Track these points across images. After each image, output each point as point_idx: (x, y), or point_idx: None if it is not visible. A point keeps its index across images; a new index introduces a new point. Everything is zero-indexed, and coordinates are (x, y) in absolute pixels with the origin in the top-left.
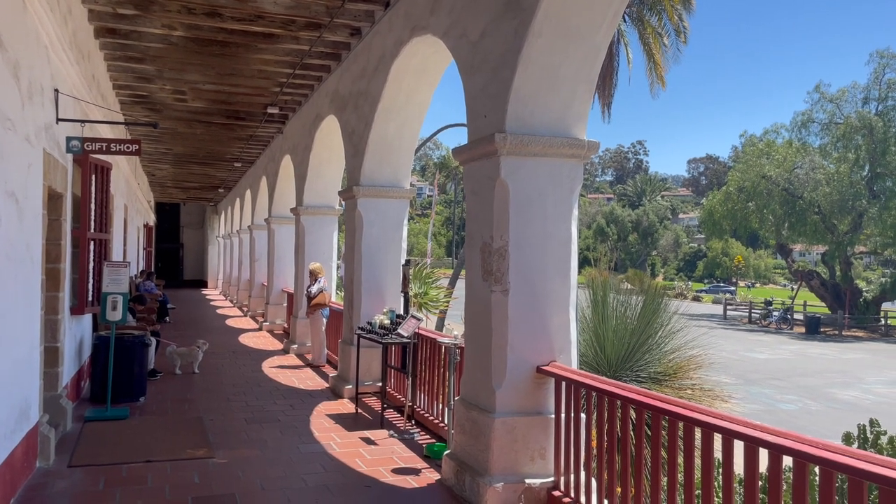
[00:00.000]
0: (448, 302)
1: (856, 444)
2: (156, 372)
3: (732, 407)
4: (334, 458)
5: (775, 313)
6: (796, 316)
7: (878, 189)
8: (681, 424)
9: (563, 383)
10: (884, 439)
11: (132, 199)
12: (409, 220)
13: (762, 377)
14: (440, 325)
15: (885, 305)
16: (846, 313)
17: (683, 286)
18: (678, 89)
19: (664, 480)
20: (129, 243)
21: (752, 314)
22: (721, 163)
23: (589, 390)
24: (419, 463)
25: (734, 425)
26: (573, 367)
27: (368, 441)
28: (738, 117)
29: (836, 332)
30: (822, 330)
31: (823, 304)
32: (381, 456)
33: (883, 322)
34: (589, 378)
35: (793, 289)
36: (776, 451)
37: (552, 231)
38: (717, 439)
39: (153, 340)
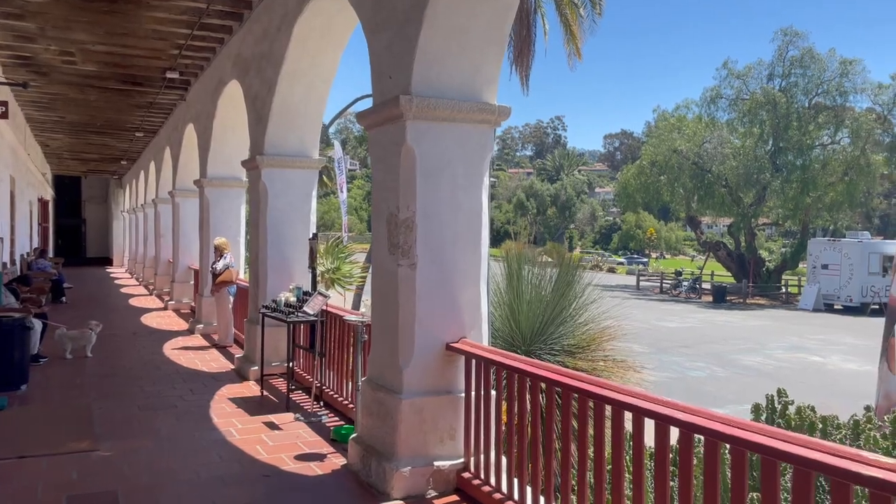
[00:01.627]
0: (364, 277)
1: (764, 416)
2: (39, 357)
3: (644, 377)
4: (233, 446)
5: (685, 283)
6: (704, 285)
7: (780, 163)
8: (591, 402)
9: (473, 361)
10: (791, 409)
11: (21, 170)
12: (331, 196)
13: (672, 345)
14: (357, 303)
15: (786, 274)
16: (750, 282)
17: (600, 258)
18: (595, 65)
19: (575, 457)
20: (18, 219)
21: (664, 284)
22: (635, 138)
23: (499, 367)
24: (325, 447)
25: (639, 401)
26: (484, 343)
27: (272, 426)
28: (653, 94)
29: (741, 301)
30: (728, 298)
31: (729, 274)
32: (285, 441)
33: (784, 290)
34: (499, 355)
35: (701, 259)
36: (684, 429)
37: (462, 201)
38: (629, 416)
39: (37, 323)
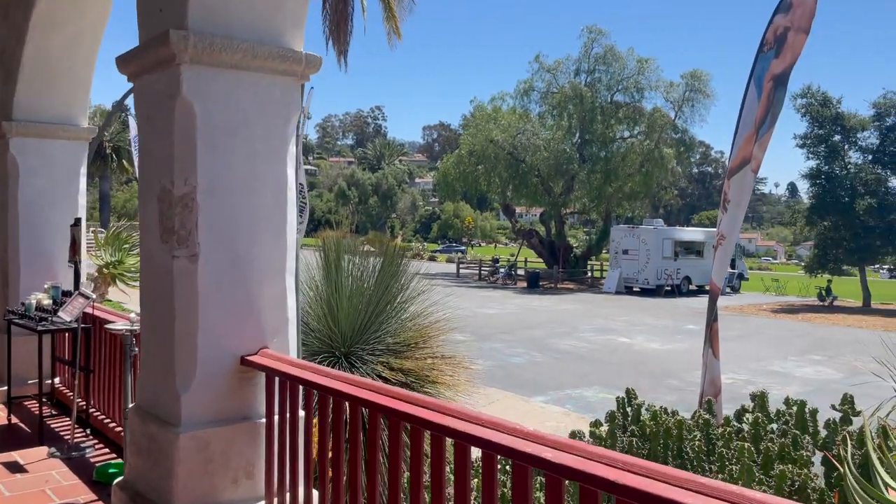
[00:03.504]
0: None
1: (619, 420)
2: None
3: (473, 372)
4: None
5: (502, 270)
6: (519, 272)
7: (586, 154)
8: (406, 424)
9: (277, 378)
10: (646, 415)
11: None
12: (134, 182)
13: (493, 332)
14: None
15: (592, 260)
16: (561, 268)
17: (419, 246)
18: (414, 57)
19: (405, 484)
20: None
21: (482, 271)
22: (452, 130)
23: (307, 387)
24: (84, 494)
25: (460, 423)
26: (292, 351)
27: (15, 467)
28: (470, 87)
29: (553, 286)
30: (541, 284)
31: (541, 260)
32: (29, 489)
33: (589, 275)
34: (308, 370)
35: (513, 247)
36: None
37: (261, 173)
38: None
39: None
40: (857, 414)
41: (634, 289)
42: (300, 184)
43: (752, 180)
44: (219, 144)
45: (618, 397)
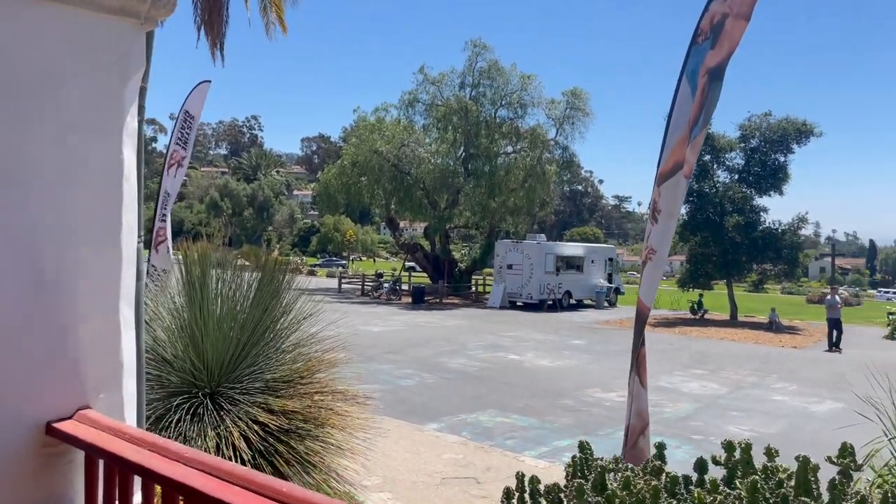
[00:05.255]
0: None
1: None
2: None
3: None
4: None
5: (386, 285)
6: (404, 287)
7: (471, 168)
8: None
9: (102, 461)
10: (612, 478)
11: None
12: None
13: (380, 352)
14: None
15: (476, 274)
16: (446, 283)
17: (298, 260)
18: (292, 67)
19: None
20: None
21: (365, 286)
22: (333, 143)
23: (148, 478)
24: None
25: None
26: (130, 414)
27: None
28: (350, 98)
29: (438, 301)
30: (426, 299)
31: (426, 275)
32: None
33: (474, 289)
34: (150, 449)
35: (395, 261)
36: None
37: (82, 154)
38: None
39: None
40: (860, 468)
41: (518, 303)
42: (166, 192)
43: (686, 186)
44: (13, 108)
45: (573, 457)
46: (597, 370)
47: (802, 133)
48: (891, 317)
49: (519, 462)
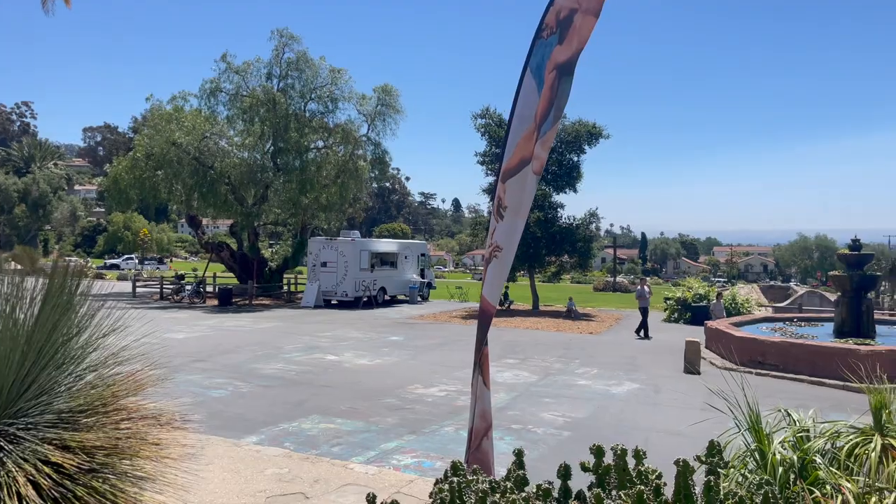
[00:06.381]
0: None
1: None
2: None
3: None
4: None
5: (188, 287)
6: (208, 289)
7: (281, 163)
8: None
9: None
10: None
11: None
12: None
13: (186, 360)
14: None
15: (287, 273)
16: (255, 283)
17: (82, 262)
18: (74, 48)
19: None
20: None
21: (164, 290)
22: (121, 133)
23: None
24: None
25: None
26: None
27: None
28: (144, 84)
29: (248, 302)
30: (234, 301)
31: (233, 275)
32: None
33: (286, 289)
34: None
35: (197, 261)
36: None
37: None
38: None
39: None
40: (727, 465)
41: (333, 302)
42: None
43: (535, 182)
44: None
45: (445, 483)
46: (417, 366)
47: (593, 135)
48: (667, 302)
49: (348, 470)
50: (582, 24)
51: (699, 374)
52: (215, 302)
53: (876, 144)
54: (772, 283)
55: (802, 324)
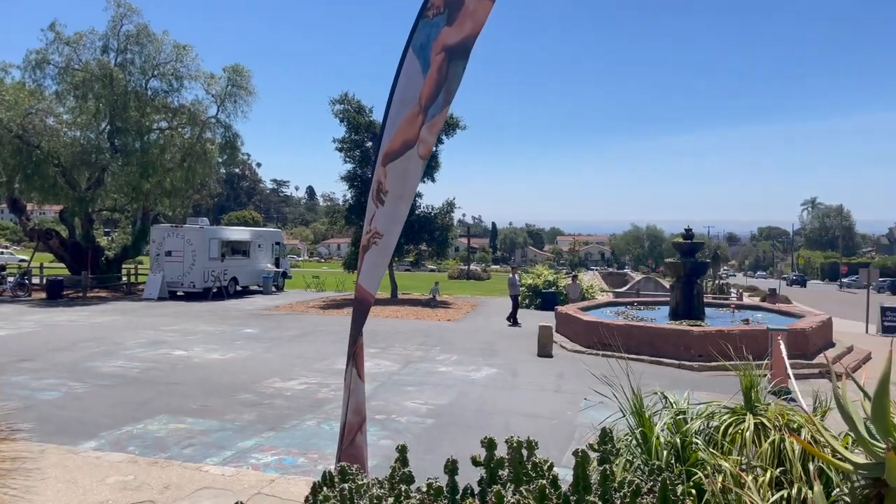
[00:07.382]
0: None
1: None
2: None
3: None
4: None
5: (10, 279)
6: (34, 280)
7: (119, 144)
8: None
9: None
10: None
11: None
12: None
13: (10, 360)
14: None
15: (127, 263)
16: (90, 274)
17: None
18: None
19: None
20: None
21: None
22: None
23: None
24: None
25: None
26: None
27: None
28: None
29: (81, 295)
30: (65, 293)
31: (63, 266)
32: None
33: (125, 280)
34: None
35: (21, 249)
36: None
37: None
38: None
39: None
40: (619, 453)
41: (179, 293)
42: None
43: (420, 168)
44: None
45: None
46: (273, 359)
47: (450, 126)
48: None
49: (202, 473)
50: (477, 7)
51: (552, 357)
52: (43, 295)
53: (703, 142)
54: (610, 270)
55: (641, 307)
